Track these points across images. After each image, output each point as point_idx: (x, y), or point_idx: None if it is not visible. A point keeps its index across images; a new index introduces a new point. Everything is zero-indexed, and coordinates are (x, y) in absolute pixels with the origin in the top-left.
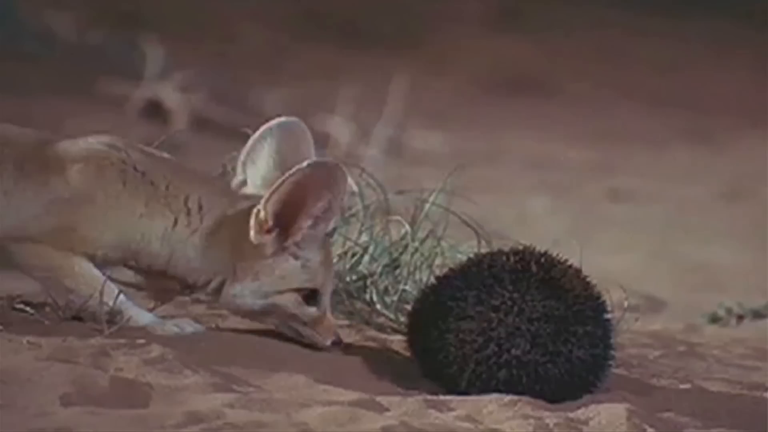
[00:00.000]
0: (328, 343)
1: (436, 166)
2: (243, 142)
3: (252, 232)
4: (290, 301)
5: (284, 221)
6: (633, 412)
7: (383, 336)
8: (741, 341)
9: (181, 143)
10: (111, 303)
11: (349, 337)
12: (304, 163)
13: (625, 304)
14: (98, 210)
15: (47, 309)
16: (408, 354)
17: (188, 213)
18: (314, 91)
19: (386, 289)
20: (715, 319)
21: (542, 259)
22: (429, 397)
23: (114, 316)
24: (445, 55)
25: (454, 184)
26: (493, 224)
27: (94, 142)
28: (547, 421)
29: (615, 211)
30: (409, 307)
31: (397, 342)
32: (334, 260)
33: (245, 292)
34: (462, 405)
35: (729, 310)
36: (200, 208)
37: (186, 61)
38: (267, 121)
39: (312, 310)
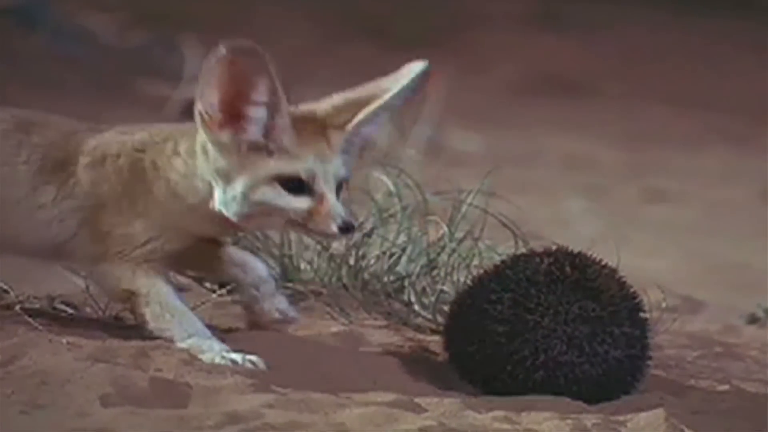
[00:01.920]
0: (334, 229)
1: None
2: None
3: (204, 134)
4: (269, 194)
5: (231, 113)
6: (671, 413)
7: (421, 336)
8: None
9: None
10: (188, 333)
11: (387, 337)
12: (220, 51)
13: (663, 304)
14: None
15: (87, 309)
16: (446, 355)
17: (171, 163)
18: None
19: (424, 290)
20: (753, 320)
21: (576, 260)
22: (467, 397)
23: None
24: (483, 55)
25: (492, 184)
26: (530, 225)
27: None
28: (585, 422)
29: (651, 212)
30: (446, 308)
31: (435, 343)
32: (372, 261)
33: (227, 197)
34: (500, 406)
35: (767, 311)
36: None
37: None
38: None
39: (301, 200)
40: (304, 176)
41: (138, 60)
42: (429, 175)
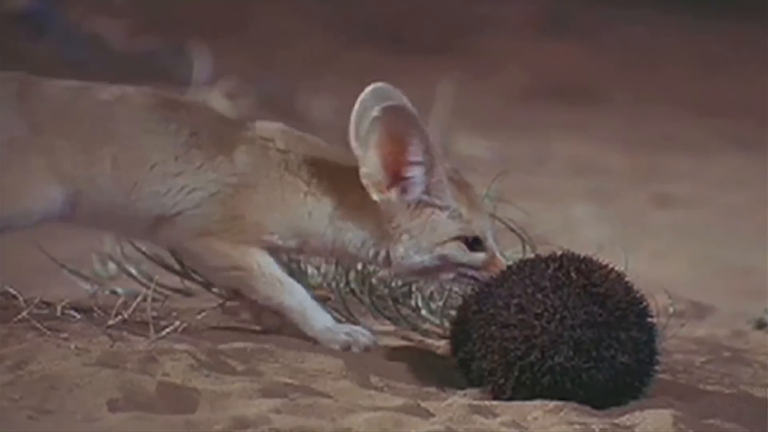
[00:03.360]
0: None
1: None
2: None
3: (374, 196)
4: (455, 250)
5: (394, 173)
6: (678, 418)
7: (428, 341)
8: None
9: None
10: (296, 302)
11: (394, 342)
12: (375, 113)
13: (671, 309)
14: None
15: (95, 315)
16: (453, 360)
17: (344, 190)
18: None
19: (431, 295)
20: (761, 325)
21: (582, 265)
22: (474, 402)
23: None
24: (492, 60)
25: (499, 189)
26: (538, 230)
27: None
28: (593, 426)
29: (660, 217)
30: (453, 313)
31: (443, 347)
32: None
33: (410, 251)
34: (507, 411)
35: None
36: (350, 183)
37: (233, 68)
38: (314, 127)
39: (480, 255)
40: (480, 235)
41: (146, 65)
42: None
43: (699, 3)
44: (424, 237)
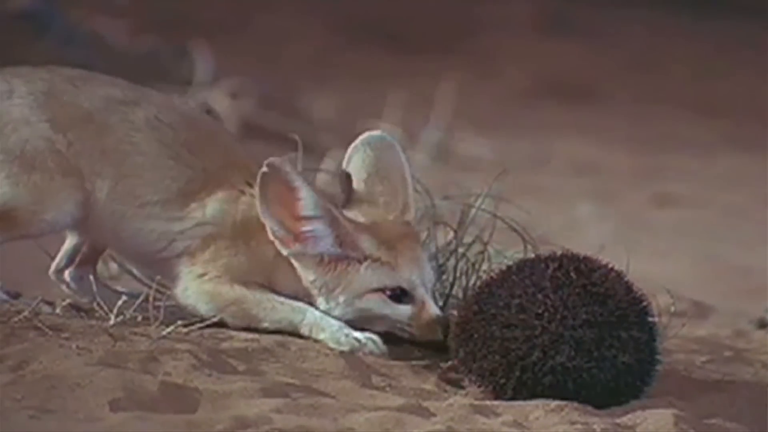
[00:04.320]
0: (440, 336)
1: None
2: (292, 148)
3: (283, 251)
4: (375, 303)
5: (293, 228)
6: (680, 418)
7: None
8: None
9: None
10: (304, 316)
11: (395, 342)
12: (263, 168)
13: (672, 309)
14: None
15: (97, 314)
16: (454, 360)
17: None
18: (362, 97)
19: (433, 295)
20: (762, 325)
21: (582, 265)
22: (475, 402)
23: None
24: (493, 60)
25: (501, 189)
26: (539, 230)
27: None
28: (594, 426)
29: (661, 217)
30: (455, 313)
31: (444, 347)
32: None
33: (330, 305)
34: (509, 411)
35: None
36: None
37: (235, 68)
38: (316, 127)
39: (405, 308)
40: (407, 286)
41: (148, 65)
42: (438, 179)
43: (700, 3)
44: (340, 290)
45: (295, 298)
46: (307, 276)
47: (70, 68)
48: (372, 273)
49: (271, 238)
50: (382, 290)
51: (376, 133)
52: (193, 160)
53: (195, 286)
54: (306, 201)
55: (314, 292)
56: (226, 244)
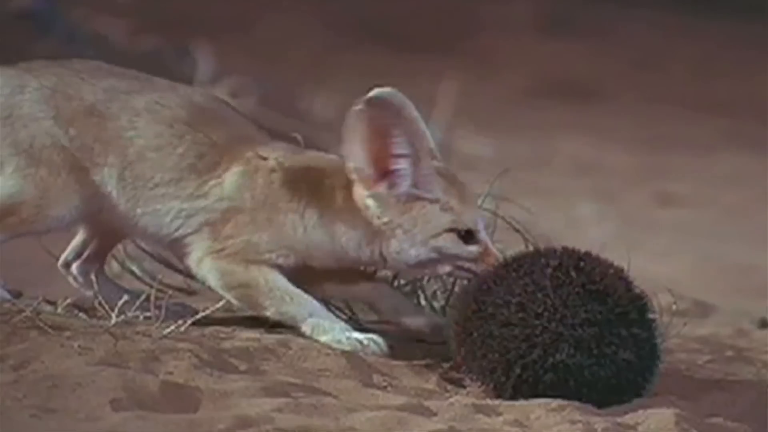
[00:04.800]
0: None
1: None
2: None
3: (362, 193)
4: (449, 242)
5: (381, 167)
6: (681, 417)
7: (431, 340)
8: None
9: None
10: (307, 314)
11: (397, 341)
12: (358, 106)
13: (674, 308)
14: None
15: (98, 313)
16: (455, 359)
17: (327, 197)
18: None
19: (434, 294)
20: (764, 324)
21: (581, 262)
22: (477, 401)
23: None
24: (494, 59)
25: (502, 188)
26: (541, 229)
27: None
28: (596, 425)
29: (663, 216)
30: (454, 312)
31: (445, 347)
32: None
33: (404, 246)
34: (510, 410)
35: None
36: (332, 188)
37: (236, 67)
38: (316, 126)
39: (473, 247)
40: (473, 227)
41: (150, 65)
42: None
43: (701, 3)
44: (417, 230)
45: (335, 264)
46: (383, 217)
47: (85, 61)
48: (445, 214)
49: (352, 177)
50: (455, 230)
51: (386, 89)
52: (200, 136)
53: (210, 260)
54: (404, 137)
55: (388, 233)
56: (246, 219)
